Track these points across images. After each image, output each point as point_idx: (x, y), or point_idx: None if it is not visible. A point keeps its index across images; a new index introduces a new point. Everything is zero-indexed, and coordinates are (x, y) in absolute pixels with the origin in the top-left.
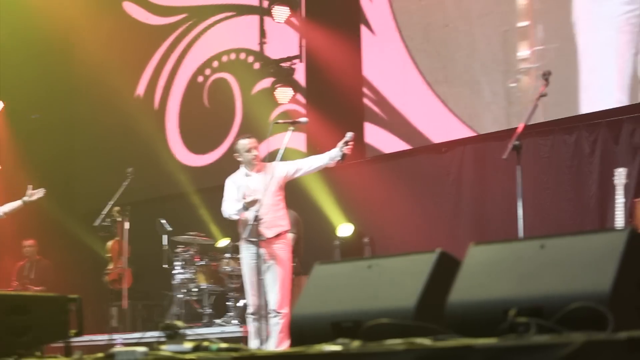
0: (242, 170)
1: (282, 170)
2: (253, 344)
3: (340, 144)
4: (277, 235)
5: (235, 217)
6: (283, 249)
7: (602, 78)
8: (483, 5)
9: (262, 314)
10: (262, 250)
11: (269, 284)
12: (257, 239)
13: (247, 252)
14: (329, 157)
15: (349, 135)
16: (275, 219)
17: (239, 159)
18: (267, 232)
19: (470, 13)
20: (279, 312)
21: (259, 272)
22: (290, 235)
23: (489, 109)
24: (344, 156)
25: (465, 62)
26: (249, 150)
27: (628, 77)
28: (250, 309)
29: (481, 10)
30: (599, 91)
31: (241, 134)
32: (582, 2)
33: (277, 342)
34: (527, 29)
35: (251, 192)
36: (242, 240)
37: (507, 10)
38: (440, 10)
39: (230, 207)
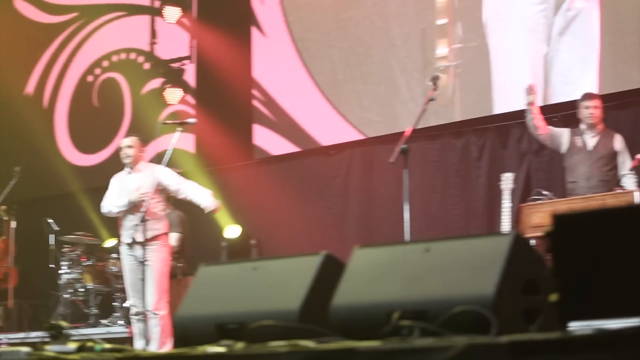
0: (127, 169)
1: (164, 177)
2: (138, 344)
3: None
4: (153, 238)
5: (115, 212)
6: (158, 250)
7: (514, 78)
8: (401, 2)
9: (145, 314)
10: (139, 252)
11: (146, 286)
12: (133, 241)
13: (125, 254)
14: (202, 202)
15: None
16: (152, 222)
17: None
18: (143, 234)
19: (387, 10)
20: (156, 314)
21: (137, 274)
22: (175, 235)
23: (407, 106)
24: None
25: (382, 59)
26: (121, 149)
27: (540, 77)
28: (132, 310)
29: (399, 7)
30: (512, 91)
31: (130, 134)
32: (493, 2)
33: (159, 344)
34: (446, 26)
35: (129, 192)
36: (121, 242)
37: (425, 7)
38: (356, 7)
39: (108, 203)
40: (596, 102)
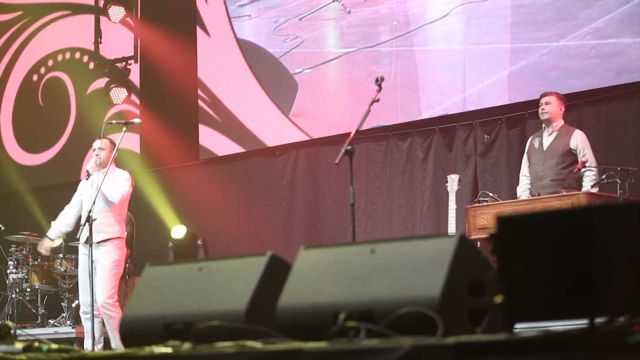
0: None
1: (117, 183)
2: (87, 343)
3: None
4: (104, 240)
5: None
6: (108, 251)
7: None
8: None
9: (94, 313)
10: (92, 252)
11: (96, 285)
12: (85, 241)
13: (80, 252)
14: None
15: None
16: (103, 225)
17: None
18: (94, 236)
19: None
20: (105, 313)
21: (88, 272)
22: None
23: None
24: None
25: None
26: (93, 151)
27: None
28: (81, 308)
29: None
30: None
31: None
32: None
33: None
34: None
35: (89, 193)
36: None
37: None
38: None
39: (59, 222)
40: (549, 99)
